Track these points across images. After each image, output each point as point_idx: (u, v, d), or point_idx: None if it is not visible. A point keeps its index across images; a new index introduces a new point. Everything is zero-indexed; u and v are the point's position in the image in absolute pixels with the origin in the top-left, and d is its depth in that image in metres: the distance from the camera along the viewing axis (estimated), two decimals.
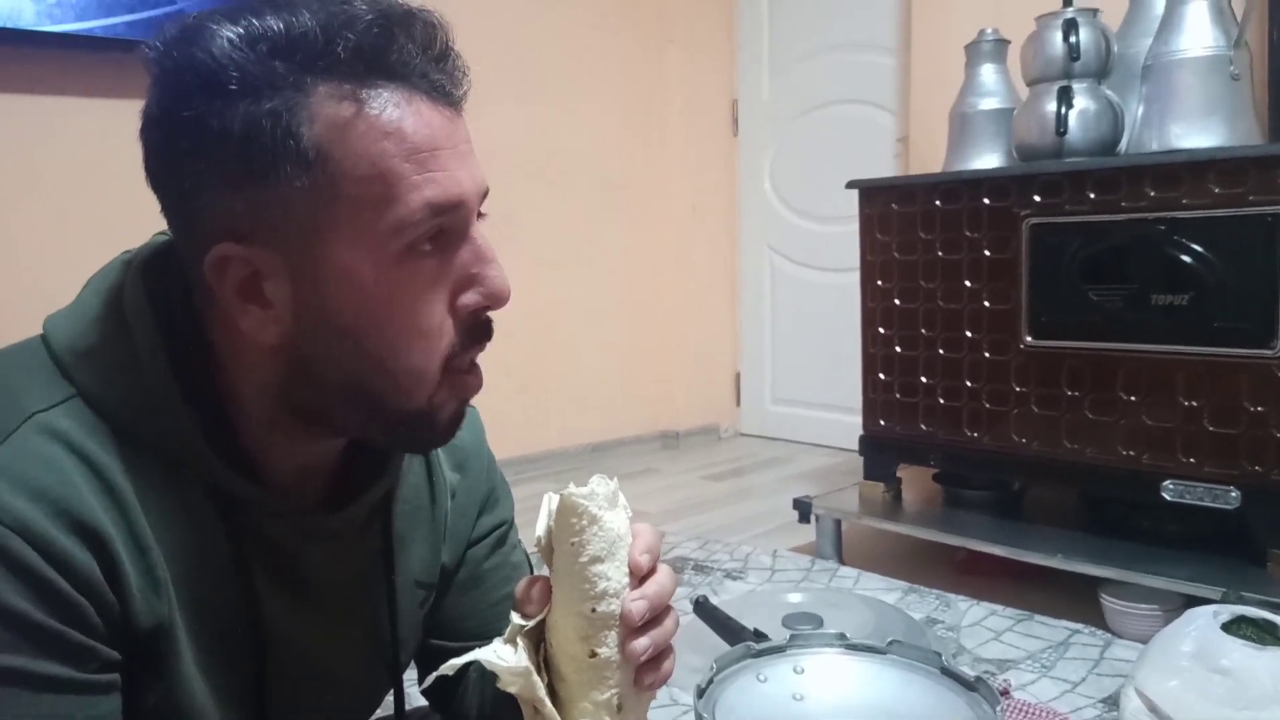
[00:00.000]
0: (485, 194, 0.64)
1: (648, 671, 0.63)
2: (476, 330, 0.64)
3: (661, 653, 0.63)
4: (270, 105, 0.55)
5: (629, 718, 0.62)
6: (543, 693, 0.60)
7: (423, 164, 0.58)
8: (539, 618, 0.62)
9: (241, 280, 0.59)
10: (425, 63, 0.59)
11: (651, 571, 0.63)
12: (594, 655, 0.60)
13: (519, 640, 0.61)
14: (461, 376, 0.64)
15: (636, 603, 0.60)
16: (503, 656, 0.60)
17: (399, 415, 0.63)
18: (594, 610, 0.60)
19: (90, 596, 0.55)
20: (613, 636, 0.61)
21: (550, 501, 0.62)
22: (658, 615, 0.62)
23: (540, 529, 0.63)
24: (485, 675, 0.80)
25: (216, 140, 0.56)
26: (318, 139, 0.56)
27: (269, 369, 0.62)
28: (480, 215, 0.64)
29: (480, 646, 0.61)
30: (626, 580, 0.61)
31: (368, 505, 0.72)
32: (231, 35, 0.55)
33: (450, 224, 0.61)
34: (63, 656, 0.55)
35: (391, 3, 0.59)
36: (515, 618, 0.62)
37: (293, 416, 0.64)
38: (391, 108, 0.58)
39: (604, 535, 0.60)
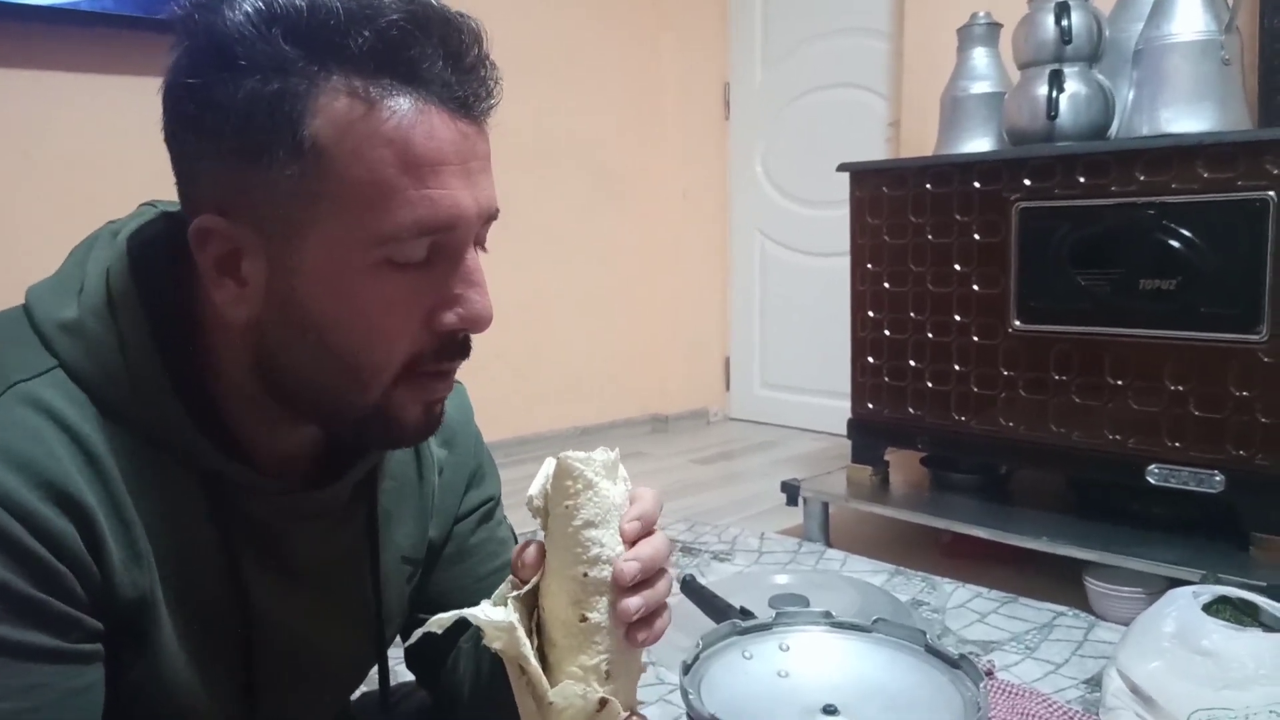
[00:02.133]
0: (493, 217, 0.62)
1: (639, 628, 0.62)
2: (452, 347, 0.63)
3: (654, 612, 0.62)
4: (275, 88, 0.54)
5: (618, 684, 0.61)
6: (528, 650, 0.60)
7: (422, 179, 0.57)
8: (531, 582, 0.62)
9: (221, 254, 0.59)
10: (449, 71, 0.57)
11: (646, 536, 0.62)
12: (584, 620, 0.60)
13: (509, 602, 0.61)
14: (424, 379, 0.63)
15: (629, 564, 0.60)
16: (489, 613, 0.60)
17: (353, 412, 0.62)
18: (586, 575, 0.60)
19: (72, 566, 0.55)
20: (603, 602, 0.60)
21: (549, 465, 0.62)
22: (650, 577, 0.62)
23: (534, 489, 0.62)
24: (480, 646, 0.80)
25: (218, 113, 0.55)
26: (317, 132, 0.55)
27: (241, 346, 0.62)
28: (483, 246, 0.63)
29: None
30: (621, 547, 0.61)
31: (351, 483, 0.71)
32: (250, 9, 0.54)
33: (442, 242, 0.59)
34: (45, 626, 0.54)
35: (426, 3, 0.57)
36: (507, 582, 0.62)
37: (270, 396, 0.64)
38: (401, 115, 0.56)
39: (599, 501, 0.60)
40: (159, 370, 0.60)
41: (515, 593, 0.62)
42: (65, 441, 0.56)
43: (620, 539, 0.61)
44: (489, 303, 0.62)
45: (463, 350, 0.63)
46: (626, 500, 0.63)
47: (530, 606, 0.63)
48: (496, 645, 0.60)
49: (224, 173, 0.57)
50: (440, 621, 0.61)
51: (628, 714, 0.62)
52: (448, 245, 0.60)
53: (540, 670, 0.60)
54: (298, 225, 0.57)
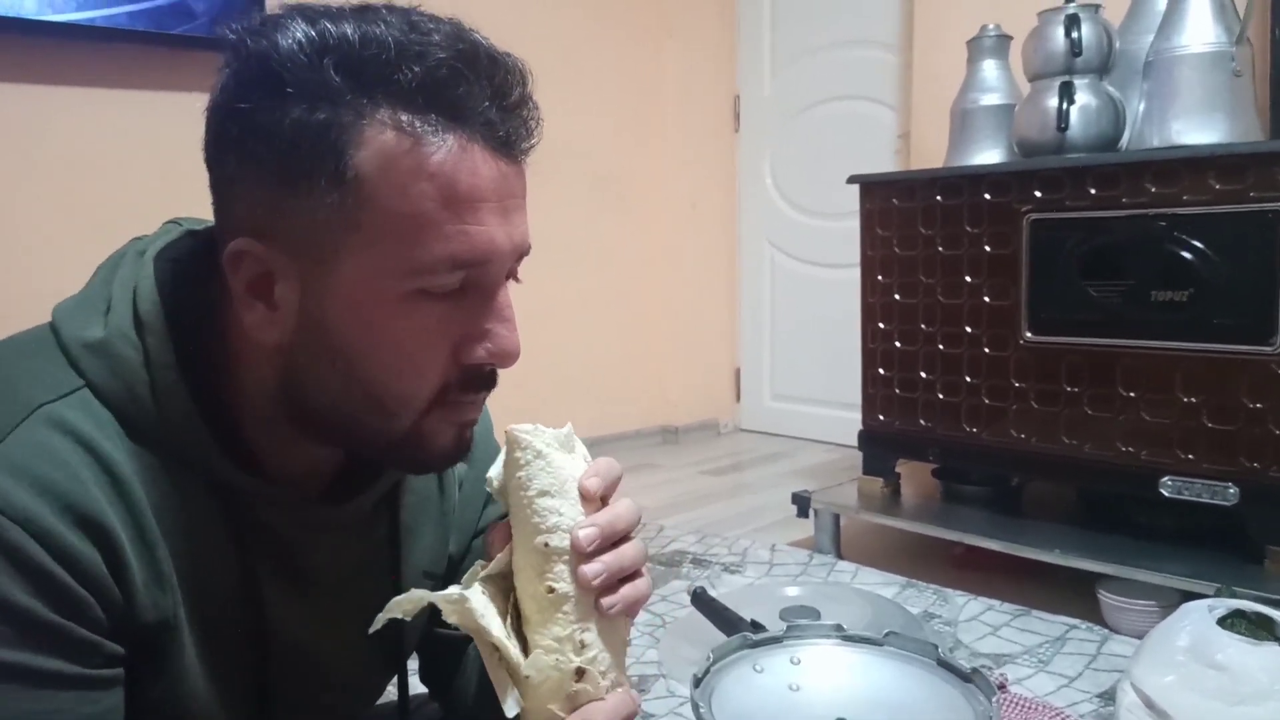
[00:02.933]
0: (525, 252, 0.63)
1: (605, 595, 0.60)
2: (478, 380, 0.63)
3: (626, 578, 0.62)
4: (322, 117, 0.55)
5: (597, 653, 0.60)
6: (485, 621, 0.59)
7: (460, 215, 0.57)
8: (497, 560, 0.62)
9: (254, 277, 0.59)
10: (494, 110, 0.58)
11: (606, 501, 0.62)
12: (552, 591, 0.59)
13: (477, 584, 0.61)
14: (454, 406, 0.63)
15: (585, 530, 0.59)
16: (444, 591, 0.59)
17: (382, 438, 0.63)
18: (547, 545, 0.59)
19: (94, 591, 0.55)
20: (568, 571, 0.60)
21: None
22: (616, 542, 0.61)
23: (493, 471, 0.63)
24: None
25: (263, 137, 0.56)
26: (361, 163, 0.56)
27: (267, 368, 0.62)
28: (515, 278, 0.64)
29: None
30: (582, 516, 0.60)
31: (373, 498, 0.72)
32: (302, 37, 0.55)
33: (475, 276, 0.60)
34: (65, 652, 0.55)
35: (475, 42, 0.58)
36: (477, 563, 0.62)
37: (290, 419, 0.64)
38: (445, 152, 0.56)
39: (553, 471, 0.60)
40: (185, 391, 0.60)
41: (482, 573, 0.62)
42: (90, 464, 0.56)
43: (581, 508, 0.61)
44: (517, 338, 0.63)
45: (488, 383, 0.64)
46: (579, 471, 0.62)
47: (507, 588, 0.62)
48: (452, 619, 0.59)
49: (263, 197, 0.58)
50: (400, 604, 0.60)
51: (609, 683, 0.61)
52: (480, 279, 0.60)
53: (506, 640, 0.59)
54: (333, 252, 0.57)
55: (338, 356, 0.60)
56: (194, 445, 0.60)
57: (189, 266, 0.64)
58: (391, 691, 0.83)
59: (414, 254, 0.57)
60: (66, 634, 0.54)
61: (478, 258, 0.59)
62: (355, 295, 0.58)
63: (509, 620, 0.61)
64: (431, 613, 0.82)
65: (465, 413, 0.65)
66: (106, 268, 0.65)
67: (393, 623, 0.77)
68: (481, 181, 0.58)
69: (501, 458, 0.63)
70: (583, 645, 0.60)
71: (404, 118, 0.56)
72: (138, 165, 2.44)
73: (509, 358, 0.63)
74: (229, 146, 0.58)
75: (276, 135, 0.55)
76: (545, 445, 0.61)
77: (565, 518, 0.60)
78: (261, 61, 0.56)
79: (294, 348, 0.61)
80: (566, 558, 0.60)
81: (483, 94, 0.57)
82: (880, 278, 2.26)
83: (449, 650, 0.85)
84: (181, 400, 0.60)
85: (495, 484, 0.63)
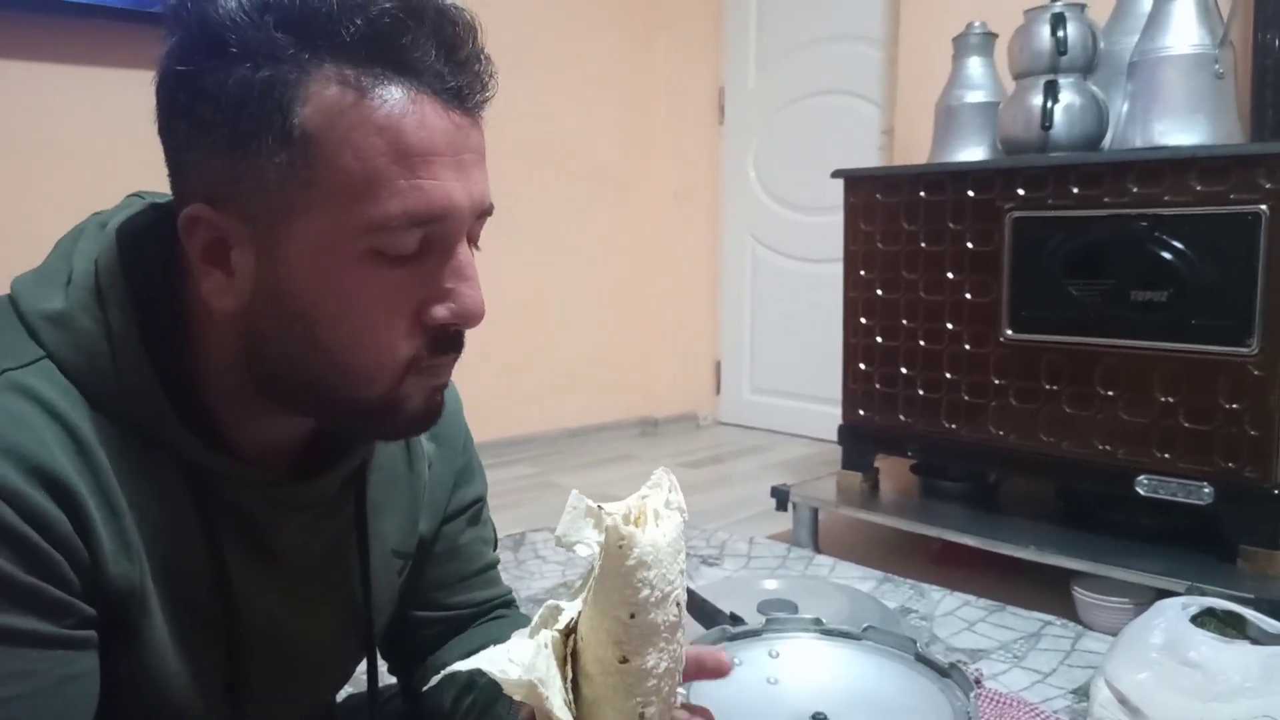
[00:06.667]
0: (486, 212, 0.62)
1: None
2: (444, 342, 0.62)
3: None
4: (266, 75, 0.54)
5: None
6: (551, 705, 0.57)
7: (412, 169, 0.56)
8: (577, 611, 0.60)
9: (208, 243, 0.58)
10: (442, 62, 0.57)
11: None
12: (625, 662, 0.58)
13: (546, 639, 0.59)
14: (424, 369, 0.62)
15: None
16: (515, 659, 0.57)
17: (354, 406, 0.61)
18: (632, 617, 0.57)
19: (64, 552, 0.55)
20: (649, 649, 0.58)
21: (575, 499, 0.59)
22: None
23: (561, 529, 0.59)
24: (475, 685, 0.80)
25: (209, 101, 0.55)
26: (307, 120, 0.55)
27: (228, 337, 0.61)
28: (475, 243, 0.62)
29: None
30: (669, 588, 0.58)
31: (341, 475, 0.71)
32: None
33: (433, 235, 0.59)
34: (38, 611, 0.54)
35: None
36: (550, 606, 0.60)
37: (255, 392, 0.63)
38: (392, 104, 0.55)
39: (651, 542, 0.57)
40: (145, 363, 0.59)
41: (558, 626, 0.60)
42: (55, 430, 0.56)
43: (670, 580, 0.58)
44: (480, 297, 0.62)
45: (454, 344, 0.63)
46: (680, 532, 0.60)
47: (568, 633, 0.61)
48: (518, 697, 0.57)
49: (214, 162, 0.57)
50: (459, 668, 0.58)
51: None
52: (439, 238, 0.59)
53: (566, 714, 0.57)
54: (286, 214, 0.57)
55: (296, 321, 0.59)
56: (155, 418, 0.60)
57: (151, 239, 0.63)
58: (363, 682, 0.82)
59: (367, 211, 0.56)
60: (39, 593, 0.54)
61: (434, 214, 0.57)
62: (311, 257, 0.57)
63: (567, 669, 0.60)
64: (403, 594, 0.81)
65: (434, 376, 0.63)
66: (67, 241, 0.64)
67: (365, 602, 0.76)
68: (433, 134, 0.57)
69: (568, 513, 0.60)
70: (642, 719, 0.59)
71: (348, 72, 0.55)
72: (119, 143, 2.40)
73: (472, 317, 0.61)
74: (178, 113, 0.58)
75: (222, 97, 0.55)
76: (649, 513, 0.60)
77: (655, 591, 0.57)
78: (203, 24, 0.55)
79: (253, 315, 0.59)
80: (648, 633, 0.58)
81: (429, 44, 0.56)
82: (862, 273, 2.26)
83: (413, 628, 0.84)
84: (143, 373, 0.59)
85: (567, 540, 0.59)
